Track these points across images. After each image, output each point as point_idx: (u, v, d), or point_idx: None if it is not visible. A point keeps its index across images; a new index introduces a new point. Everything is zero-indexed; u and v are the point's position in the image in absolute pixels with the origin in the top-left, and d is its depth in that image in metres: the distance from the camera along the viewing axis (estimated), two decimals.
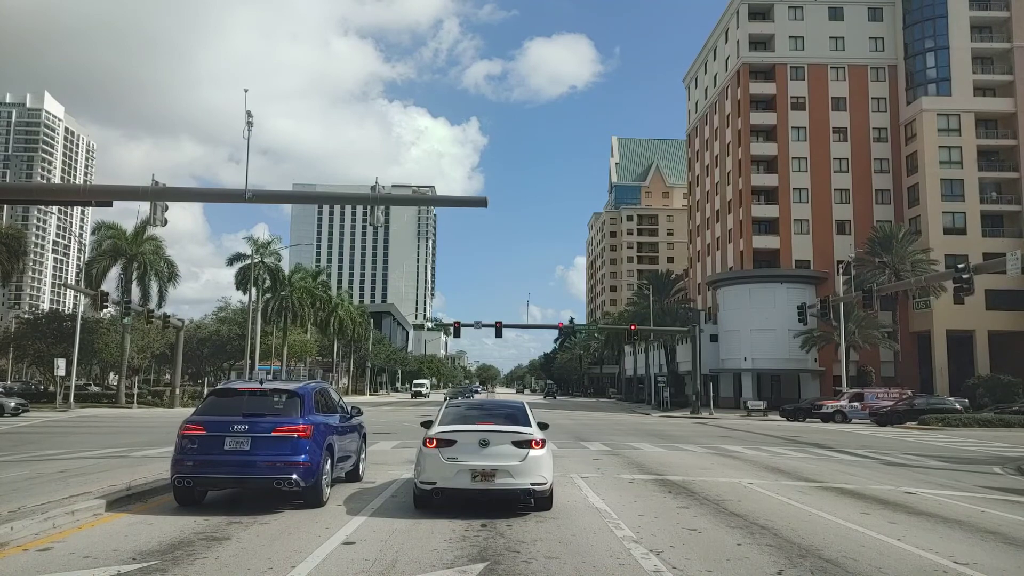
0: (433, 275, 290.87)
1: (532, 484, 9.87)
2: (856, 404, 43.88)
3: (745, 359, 68.42)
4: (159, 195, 18.99)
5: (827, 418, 43.50)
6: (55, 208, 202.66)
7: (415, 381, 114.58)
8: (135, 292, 55.07)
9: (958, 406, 41.27)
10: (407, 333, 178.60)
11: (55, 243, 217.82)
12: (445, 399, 32.81)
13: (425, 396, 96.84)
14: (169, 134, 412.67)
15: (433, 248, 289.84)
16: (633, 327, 61.35)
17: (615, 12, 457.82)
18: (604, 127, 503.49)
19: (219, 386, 12.78)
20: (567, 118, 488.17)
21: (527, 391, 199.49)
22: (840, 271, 61.64)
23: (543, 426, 10.88)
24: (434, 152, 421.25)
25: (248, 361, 53.75)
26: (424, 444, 10.13)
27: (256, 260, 59.30)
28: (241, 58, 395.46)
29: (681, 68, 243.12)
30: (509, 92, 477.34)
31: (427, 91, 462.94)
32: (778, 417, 48.28)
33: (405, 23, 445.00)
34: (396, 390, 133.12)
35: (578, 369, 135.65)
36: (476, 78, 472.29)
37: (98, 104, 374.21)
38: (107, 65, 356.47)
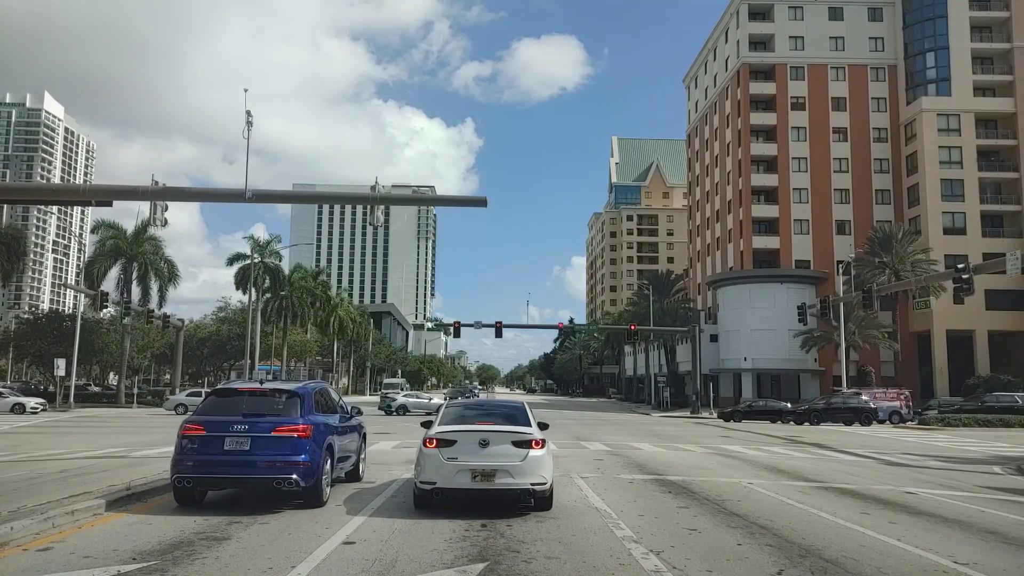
0: (433, 275, 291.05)
1: (532, 484, 9.87)
2: None
3: (745, 359, 68.41)
4: (159, 195, 18.97)
5: None
6: (55, 208, 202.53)
7: (386, 381, 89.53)
8: (135, 292, 55.17)
9: (871, 404, 41.45)
10: (407, 333, 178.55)
11: (55, 243, 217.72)
12: (445, 399, 32.66)
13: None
14: (162, 135, 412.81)
15: (433, 248, 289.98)
16: (633, 327, 61.32)
17: (606, 14, 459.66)
18: (600, 128, 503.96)
19: (219, 386, 12.77)
20: (562, 119, 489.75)
21: (521, 390, 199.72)
22: (840, 271, 61.61)
23: (543, 426, 10.88)
24: (429, 153, 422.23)
25: (248, 361, 53.74)
26: (424, 444, 10.13)
27: (256, 260, 59.31)
28: (233, 59, 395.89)
29: (680, 68, 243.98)
30: (499, 94, 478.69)
31: (419, 92, 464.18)
32: None
33: (394, 25, 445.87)
34: None
35: (578, 369, 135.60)
36: (466, 79, 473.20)
37: (91, 104, 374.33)
38: (101, 66, 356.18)
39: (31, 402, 42.40)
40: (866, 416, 39.68)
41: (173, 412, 42.48)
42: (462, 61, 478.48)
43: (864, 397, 42.91)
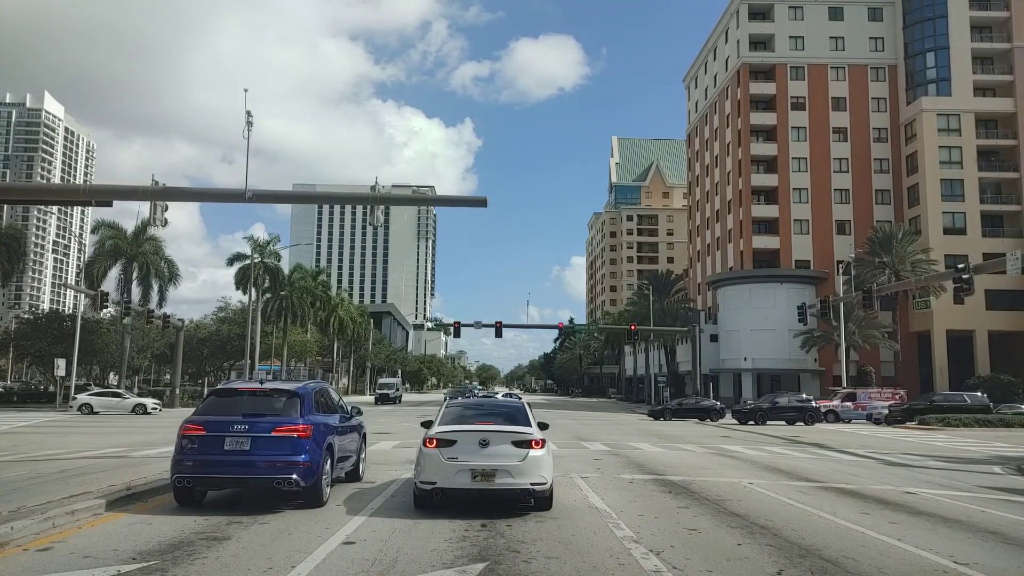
0: (433, 275, 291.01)
1: (532, 484, 9.87)
2: (849, 404, 44.01)
3: (745, 359, 68.43)
4: (159, 195, 18.98)
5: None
6: (55, 208, 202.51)
7: (380, 381, 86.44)
8: (135, 292, 55.18)
9: (814, 403, 42.19)
10: (407, 333, 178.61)
11: (55, 243, 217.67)
12: (445, 399, 32.57)
13: (395, 401, 68.45)
14: (161, 135, 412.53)
15: (433, 248, 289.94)
16: (633, 327, 61.38)
17: (603, 14, 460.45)
18: (600, 128, 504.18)
19: (219, 386, 12.76)
20: (561, 119, 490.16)
21: (519, 390, 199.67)
22: (840, 271, 61.64)
23: (543, 426, 10.88)
24: (428, 153, 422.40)
25: (248, 361, 53.73)
26: (424, 444, 10.13)
27: (256, 260, 59.31)
28: (232, 60, 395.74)
29: (680, 68, 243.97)
30: (497, 94, 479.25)
31: (417, 92, 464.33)
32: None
33: (392, 25, 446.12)
34: None
35: (578, 369, 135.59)
36: (464, 79, 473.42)
37: (90, 104, 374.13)
38: (100, 66, 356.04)
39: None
40: (809, 415, 40.24)
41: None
42: (460, 61, 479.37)
43: (805, 395, 44.19)
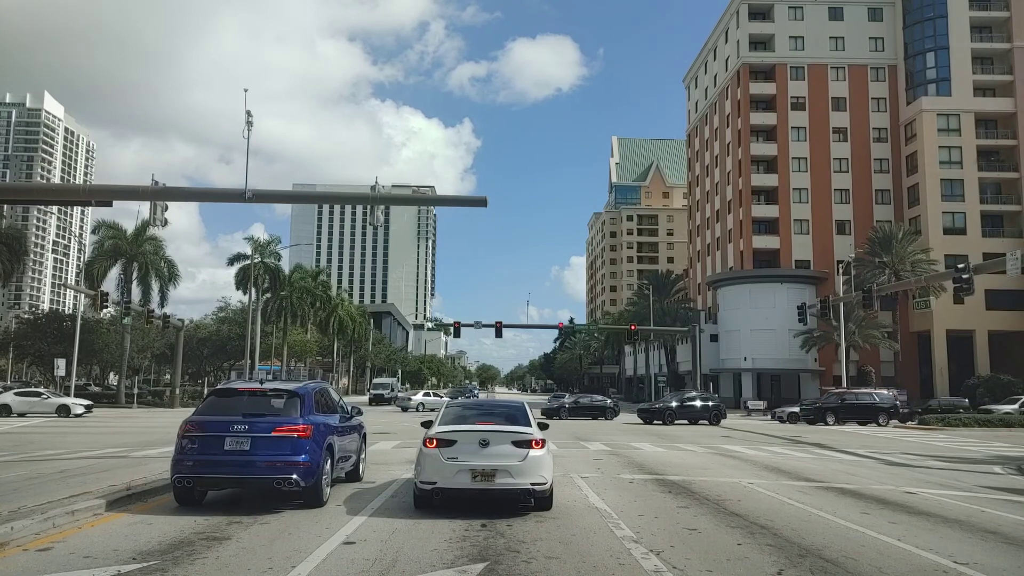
0: (433, 275, 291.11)
1: (532, 484, 9.87)
2: None
3: (745, 359, 68.40)
4: (159, 195, 18.96)
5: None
6: (55, 208, 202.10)
7: (375, 380, 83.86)
8: (135, 292, 55.19)
9: (718, 404, 42.40)
10: (407, 333, 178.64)
11: (55, 243, 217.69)
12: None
13: (390, 401, 64.96)
14: (159, 135, 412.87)
15: (433, 248, 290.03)
16: (633, 327, 61.36)
17: (600, 15, 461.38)
18: (599, 128, 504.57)
19: (219, 386, 12.77)
20: (559, 119, 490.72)
21: (518, 390, 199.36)
22: (840, 271, 61.59)
23: (543, 426, 10.90)
24: (426, 153, 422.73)
25: (248, 361, 53.73)
26: (424, 444, 10.13)
27: (256, 260, 59.32)
28: (230, 60, 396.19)
29: (680, 68, 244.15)
30: (495, 95, 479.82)
31: (415, 93, 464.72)
32: None
33: (390, 25, 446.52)
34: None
35: (578, 369, 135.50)
36: (462, 80, 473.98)
37: (87, 104, 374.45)
38: (97, 65, 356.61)
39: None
40: (715, 415, 40.53)
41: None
42: (457, 61, 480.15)
43: (712, 394, 45.76)
